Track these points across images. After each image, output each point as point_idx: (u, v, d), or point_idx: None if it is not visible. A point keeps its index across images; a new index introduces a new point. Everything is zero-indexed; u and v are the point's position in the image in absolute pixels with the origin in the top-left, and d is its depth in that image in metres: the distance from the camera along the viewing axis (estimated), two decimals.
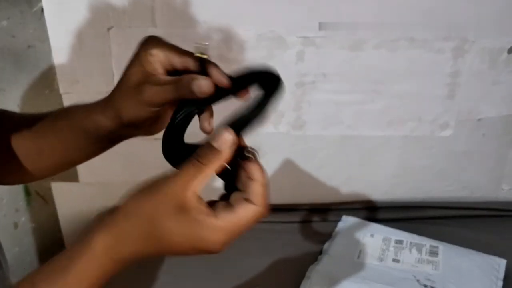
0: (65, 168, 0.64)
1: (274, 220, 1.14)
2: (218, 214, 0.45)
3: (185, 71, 0.51)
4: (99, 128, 0.56)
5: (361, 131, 1.10)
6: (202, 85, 0.48)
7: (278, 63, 1.03)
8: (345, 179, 1.17)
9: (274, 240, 1.08)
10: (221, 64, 1.09)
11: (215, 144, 0.46)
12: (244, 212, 0.45)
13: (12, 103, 1.08)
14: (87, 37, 0.99)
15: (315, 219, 1.16)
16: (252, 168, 0.47)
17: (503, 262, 0.98)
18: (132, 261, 0.47)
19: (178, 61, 0.51)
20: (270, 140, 1.11)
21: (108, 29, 0.99)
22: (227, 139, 0.46)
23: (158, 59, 0.51)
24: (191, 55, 0.51)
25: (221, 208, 0.45)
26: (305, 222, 1.15)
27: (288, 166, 1.15)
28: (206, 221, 0.44)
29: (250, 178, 0.47)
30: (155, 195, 0.45)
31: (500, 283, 0.94)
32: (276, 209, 1.17)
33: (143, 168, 1.16)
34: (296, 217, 1.16)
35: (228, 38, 1.00)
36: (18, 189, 1.17)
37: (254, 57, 1.01)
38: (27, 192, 1.18)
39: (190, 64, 0.51)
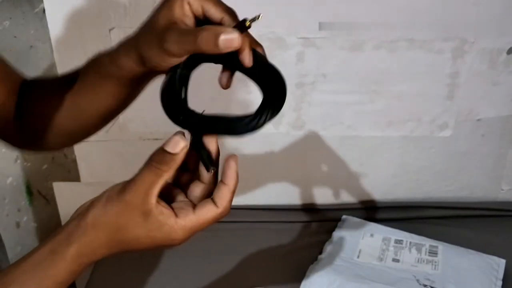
0: (105, 123, 0.63)
1: (274, 220, 1.14)
2: (180, 214, 0.47)
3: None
4: (124, 71, 0.53)
5: (361, 131, 1.11)
6: (232, 39, 0.46)
7: (278, 63, 1.03)
8: (345, 179, 1.17)
9: (274, 240, 1.09)
10: (221, 64, 1.09)
11: (168, 149, 0.47)
12: (206, 214, 0.48)
13: None
14: (89, 38, 1.00)
15: (315, 219, 1.16)
16: (229, 173, 0.49)
17: (502, 262, 0.98)
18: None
19: (214, 13, 0.49)
20: (270, 140, 1.11)
21: (110, 30, 0.99)
22: (179, 143, 0.47)
23: (192, 5, 0.48)
24: (230, 11, 0.50)
25: (183, 206, 0.48)
26: (305, 222, 1.15)
27: (288, 166, 1.15)
28: (168, 223, 0.47)
29: (222, 181, 0.49)
30: (120, 205, 0.48)
31: (500, 283, 0.94)
32: (276, 209, 1.17)
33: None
34: (296, 217, 1.16)
35: None
36: (20, 189, 1.17)
37: None
38: (29, 192, 1.19)
39: (227, 20, 0.49)
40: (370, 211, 1.17)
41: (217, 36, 0.45)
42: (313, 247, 1.05)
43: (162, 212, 0.47)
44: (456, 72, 1.04)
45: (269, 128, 1.13)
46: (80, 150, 1.13)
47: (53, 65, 1.03)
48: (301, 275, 0.96)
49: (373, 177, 1.17)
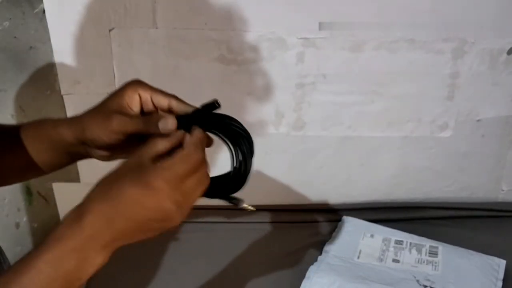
0: (20, 179, 0.71)
1: (275, 220, 1.14)
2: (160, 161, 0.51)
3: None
4: (61, 140, 0.60)
5: (361, 131, 1.11)
6: (167, 122, 0.54)
7: (279, 64, 1.03)
8: (345, 179, 1.17)
9: (274, 240, 1.09)
10: (221, 65, 1.10)
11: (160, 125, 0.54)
12: (176, 153, 0.51)
13: (13, 104, 1.08)
14: (88, 38, 1.00)
15: (315, 219, 1.16)
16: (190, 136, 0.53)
17: (502, 263, 0.98)
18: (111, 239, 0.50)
19: (161, 100, 0.57)
20: (270, 141, 1.11)
21: (109, 30, 0.99)
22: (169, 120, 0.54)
23: (141, 96, 0.57)
24: (174, 97, 0.57)
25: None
26: (305, 222, 1.15)
27: (288, 166, 1.15)
28: (148, 163, 0.50)
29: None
30: (116, 169, 0.52)
31: (500, 284, 0.94)
32: (276, 209, 1.17)
33: None
34: (296, 217, 1.16)
35: (228, 39, 1.00)
36: (20, 189, 1.17)
37: (255, 58, 1.02)
38: (29, 192, 1.19)
39: (174, 104, 0.57)
40: (370, 211, 1.17)
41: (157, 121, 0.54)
42: (313, 248, 1.05)
43: (148, 160, 0.51)
44: (456, 73, 1.04)
45: (269, 128, 1.14)
46: None
47: (53, 66, 1.03)
48: (301, 276, 0.96)
49: (373, 177, 1.17)
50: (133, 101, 0.57)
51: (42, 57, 1.04)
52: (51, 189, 1.19)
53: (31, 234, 1.23)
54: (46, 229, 1.25)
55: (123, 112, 0.56)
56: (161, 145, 0.52)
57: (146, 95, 0.57)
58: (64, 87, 1.05)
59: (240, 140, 0.56)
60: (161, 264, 1.04)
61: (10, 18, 0.99)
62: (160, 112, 0.57)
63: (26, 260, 0.48)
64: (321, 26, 0.99)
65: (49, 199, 1.21)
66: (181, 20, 0.99)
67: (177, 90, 1.06)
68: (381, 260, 1.00)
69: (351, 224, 1.10)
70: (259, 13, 0.98)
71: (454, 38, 1.01)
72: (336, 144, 1.12)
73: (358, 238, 1.05)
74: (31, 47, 1.01)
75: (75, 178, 1.16)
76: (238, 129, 0.56)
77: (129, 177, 0.49)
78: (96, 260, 0.49)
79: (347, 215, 1.13)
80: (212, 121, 0.56)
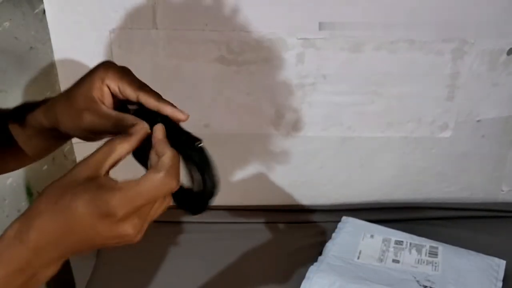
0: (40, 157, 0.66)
1: (275, 221, 1.14)
2: (121, 182, 0.45)
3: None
4: (41, 126, 0.58)
5: (361, 132, 1.11)
6: (139, 130, 0.49)
7: (279, 64, 1.03)
8: (345, 180, 1.17)
9: (275, 240, 1.09)
10: (221, 66, 1.10)
11: (131, 130, 0.48)
12: (145, 179, 0.45)
13: (13, 105, 1.08)
14: (89, 39, 1.00)
15: (315, 219, 1.16)
16: (158, 145, 0.47)
17: (502, 263, 0.98)
18: (53, 249, 0.45)
19: (130, 93, 0.52)
20: (270, 141, 1.11)
21: (110, 31, 0.99)
22: (141, 127, 0.48)
23: (109, 86, 0.52)
24: (144, 88, 0.52)
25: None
26: (305, 222, 1.15)
27: (288, 167, 1.15)
28: (108, 184, 0.45)
29: (157, 154, 0.47)
30: (67, 176, 0.46)
31: (500, 284, 0.94)
32: (276, 210, 1.17)
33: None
34: (296, 217, 1.16)
35: (228, 40, 1.00)
36: (20, 189, 1.17)
37: (255, 58, 1.02)
38: (29, 193, 1.19)
39: (142, 97, 0.51)
40: (370, 212, 1.17)
41: (129, 129, 0.49)
42: (313, 248, 1.05)
43: (105, 178, 0.46)
44: (456, 73, 1.04)
45: (269, 129, 1.14)
46: (80, 150, 1.13)
47: (53, 66, 1.03)
48: (301, 276, 0.96)
49: (373, 178, 1.17)
50: (103, 94, 0.52)
51: (42, 57, 1.04)
52: None
53: None
54: None
55: (94, 108, 0.52)
56: (122, 150, 0.47)
57: (114, 87, 0.52)
58: (64, 88, 1.04)
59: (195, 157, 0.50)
60: (161, 264, 1.04)
61: (10, 19, 0.99)
62: (131, 117, 0.50)
63: None
64: (321, 26, 0.99)
65: None
66: (181, 21, 0.99)
67: (177, 90, 1.06)
68: (381, 260, 1.00)
69: (351, 225, 1.10)
70: (259, 14, 0.98)
71: (454, 39, 1.01)
72: (336, 144, 1.12)
73: (358, 239, 1.05)
74: (31, 47, 1.01)
75: None
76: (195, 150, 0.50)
77: (83, 195, 0.44)
78: (46, 273, 0.46)
79: (347, 215, 1.13)
80: (175, 135, 0.50)
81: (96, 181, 0.45)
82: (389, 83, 1.05)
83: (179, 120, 0.51)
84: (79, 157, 1.13)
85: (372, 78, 1.05)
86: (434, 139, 1.12)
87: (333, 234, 1.08)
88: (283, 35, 1.00)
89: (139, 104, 0.52)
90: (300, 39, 1.00)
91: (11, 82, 1.05)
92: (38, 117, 0.57)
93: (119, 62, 1.06)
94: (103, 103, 0.52)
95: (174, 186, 0.46)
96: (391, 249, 1.02)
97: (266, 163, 1.14)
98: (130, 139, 0.47)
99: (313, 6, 0.98)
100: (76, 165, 0.47)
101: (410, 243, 1.03)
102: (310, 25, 1.00)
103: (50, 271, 0.46)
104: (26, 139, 0.61)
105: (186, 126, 0.53)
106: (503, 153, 1.16)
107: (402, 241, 1.04)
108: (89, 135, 0.54)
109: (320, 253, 1.03)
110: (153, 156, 0.47)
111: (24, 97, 1.08)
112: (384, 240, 1.04)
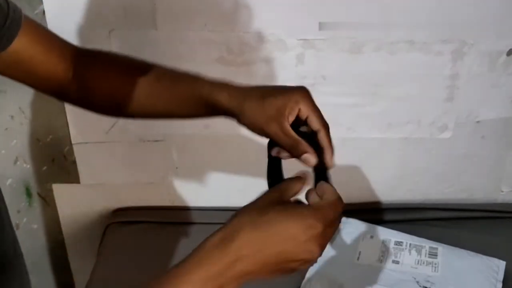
0: (155, 118, 0.75)
1: None
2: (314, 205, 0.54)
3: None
4: (216, 107, 0.63)
5: (361, 133, 1.11)
6: (310, 160, 0.59)
7: (278, 65, 1.03)
8: (345, 180, 1.17)
9: None
10: (221, 66, 1.10)
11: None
12: (329, 202, 0.54)
13: (14, 105, 1.08)
14: (89, 39, 1.00)
15: None
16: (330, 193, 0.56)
17: (502, 264, 0.98)
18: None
19: (315, 124, 0.60)
20: None
21: (110, 31, 1.00)
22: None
23: (301, 110, 0.60)
24: (326, 126, 0.61)
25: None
26: None
27: (288, 168, 1.15)
28: (303, 206, 0.53)
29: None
30: (262, 199, 0.54)
31: (500, 285, 0.94)
32: None
33: (143, 170, 1.17)
34: None
35: (228, 41, 1.00)
36: (20, 190, 1.17)
37: (254, 59, 1.02)
38: (29, 194, 1.19)
39: (322, 134, 0.60)
40: (370, 213, 1.17)
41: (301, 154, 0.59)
42: None
43: (296, 205, 0.54)
44: (456, 74, 1.04)
45: None
46: (80, 151, 1.13)
47: None
48: (301, 277, 0.96)
49: (373, 179, 1.17)
50: (292, 114, 0.59)
51: None
52: (51, 191, 1.19)
53: (31, 235, 1.23)
54: (46, 230, 1.25)
55: (281, 122, 0.59)
56: (297, 187, 0.55)
57: (305, 113, 0.59)
58: None
59: None
60: (161, 264, 1.04)
61: None
62: (306, 145, 0.59)
63: (169, 277, 0.50)
64: (321, 26, 0.99)
65: (49, 201, 1.21)
66: (181, 21, 0.99)
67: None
68: (381, 261, 1.00)
69: (350, 225, 1.10)
70: (258, 15, 0.98)
71: (454, 40, 1.01)
72: (336, 145, 1.12)
73: (358, 239, 1.05)
74: None
75: (75, 180, 1.16)
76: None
77: (279, 211, 0.50)
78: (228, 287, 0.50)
79: (347, 216, 1.13)
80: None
81: (290, 203, 0.53)
82: (388, 84, 1.05)
83: (328, 167, 0.60)
84: (78, 158, 1.14)
85: (372, 79, 1.05)
86: (434, 140, 1.12)
87: (333, 235, 1.08)
88: (283, 36, 1.00)
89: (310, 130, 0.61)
90: (300, 40, 1.00)
91: (11, 82, 1.05)
92: (219, 98, 0.62)
93: None
94: (289, 121, 0.59)
95: (341, 209, 0.55)
96: (391, 250, 1.02)
97: (266, 164, 1.13)
98: (303, 181, 0.56)
99: (312, 7, 0.98)
100: (267, 192, 0.55)
101: (410, 244, 1.03)
102: (310, 26, 1.00)
103: (231, 287, 0.50)
104: (181, 100, 0.68)
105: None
106: (502, 154, 1.16)
107: (402, 242, 1.04)
108: (263, 136, 0.61)
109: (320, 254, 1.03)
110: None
111: (24, 97, 1.08)
112: (383, 241, 1.04)
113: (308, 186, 0.57)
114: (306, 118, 0.60)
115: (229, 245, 0.49)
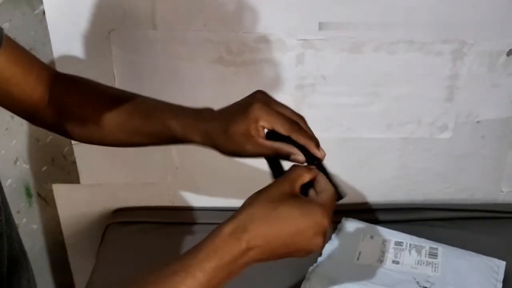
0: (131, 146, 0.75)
1: None
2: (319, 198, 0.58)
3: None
4: (170, 134, 0.66)
5: (361, 133, 1.11)
6: (298, 159, 0.61)
7: (278, 65, 1.03)
8: (345, 181, 1.17)
9: None
10: (220, 67, 1.10)
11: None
12: (329, 193, 0.58)
13: None
14: (88, 40, 1.00)
15: None
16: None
17: (502, 264, 0.98)
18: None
19: (282, 132, 0.61)
20: None
21: (109, 31, 1.00)
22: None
23: (264, 126, 0.61)
24: (296, 130, 0.61)
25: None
26: None
27: (287, 168, 1.15)
28: (311, 199, 0.57)
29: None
30: (271, 189, 0.57)
31: (500, 285, 0.94)
32: None
33: (143, 170, 1.17)
34: None
35: (227, 41, 1.00)
36: (20, 190, 1.17)
37: (254, 59, 1.02)
38: (29, 194, 1.19)
39: (295, 138, 0.61)
40: (370, 213, 1.17)
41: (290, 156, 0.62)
42: None
43: (305, 200, 0.56)
44: (456, 74, 1.04)
45: None
46: (80, 152, 1.13)
47: (53, 67, 1.03)
48: (301, 278, 0.96)
49: (373, 179, 1.17)
50: (259, 132, 0.61)
51: (42, 58, 1.04)
52: (51, 191, 1.19)
53: (30, 235, 1.23)
54: (46, 230, 1.25)
55: (252, 141, 0.62)
56: (307, 176, 0.58)
57: (269, 126, 0.61)
58: None
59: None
60: (161, 264, 1.04)
61: (10, 20, 0.99)
62: (287, 147, 0.62)
63: (182, 264, 0.52)
64: (321, 26, 0.99)
65: (49, 201, 1.21)
66: (180, 21, 0.99)
67: (176, 91, 1.06)
68: (381, 261, 1.00)
69: (350, 226, 1.10)
70: (258, 15, 0.98)
71: (454, 40, 1.01)
72: (336, 145, 1.12)
73: (357, 240, 1.05)
74: (31, 48, 1.01)
75: (75, 180, 1.16)
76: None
77: (290, 206, 0.54)
78: (236, 275, 0.54)
79: (346, 216, 1.13)
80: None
81: (299, 198, 0.56)
82: (388, 84, 1.05)
83: (319, 158, 0.63)
84: (78, 158, 1.14)
85: (372, 79, 1.05)
86: (434, 140, 1.12)
87: (333, 235, 1.08)
88: (283, 36, 1.00)
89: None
90: (300, 40, 1.00)
91: None
92: (191, 137, 0.65)
93: (118, 62, 1.06)
94: (260, 137, 0.61)
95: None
96: (391, 250, 1.02)
97: (266, 164, 1.13)
98: (311, 172, 0.59)
99: (312, 8, 0.98)
100: (276, 181, 0.58)
101: (410, 244, 1.03)
102: (309, 26, 1.00)
103: (237, 275, 0.54)
104: (132, 129, 0.69)
105: None
106: (502, 154, 1.16)
107: (402, 242, 1.04)
108: (246, 156, 0.63)
109: (320, 254, 1.03)
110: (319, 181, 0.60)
111: None
112: (383, 241, 1.04)
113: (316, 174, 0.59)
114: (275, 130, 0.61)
115: (242, 236, 0.52)
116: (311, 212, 0.54)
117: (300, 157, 0.61)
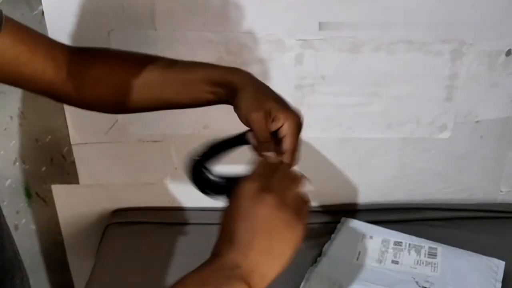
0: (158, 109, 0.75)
1: None
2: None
3: None
4: (228, 88, 0.67)
5: (360, 133, 1.11)
6: (267, 157, 0.63)
7: (277, 66, 1.03)
8: (344, 181, 1.17)
9: None
10: None
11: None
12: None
13: (13, 106, 1.08)
14: (88, 40, 1.00)
15: (314, 221, 1.16)
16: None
17: (501, 264, 0.98)
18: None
19: (286, 146, 0.65)
20: None
21: (108, 32, 1.00)
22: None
23: (280, 129, 0.65)
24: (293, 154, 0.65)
25: None
26: None
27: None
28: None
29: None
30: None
31: (499, 285, 0.94)
32: None
33: (143, 170, 1.17)
34: None
35: (227, 41, 1.00)
36: (19, 191, 1.17)
37: (253, 59, 1.02)
38: (28, 194, 1.19)
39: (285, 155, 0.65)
40: (370, 213, 1.17)
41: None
42: (313, 249, 1.05)
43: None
44: (455, 74, 1.04)
45: None
46: (79, 152, 1.13)
47: None
48: (300, 277, 0.96)
49: (372, 179, 1.17)
50: (276, 122, 0.64)
51: None
52: (50, 191, 1.19)
53: (30, 236, 1.23)
54: (45, 231, 1.25)
55: (265, 116, 0.63)
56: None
57: (284, 132, 0.64)
58: None
59: None
60: (161, 266, 1.04)
61: None
62: (273, 147, 0.64)
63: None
64: (321, 26, 1.00)
65: (48, 201, 1.21)
66: (180, 21, 0.99)
67: None
68: (380, 261, 1.00)
69: (350, 226, 1.10)
70: (257, 15, 0.98)
71: (453, 40, 1.01)
72: (335, 145, 1.12)
73: (357, 240, 1.05)
74: None
75: (74, 180, 1.16)
76: None
77: (276, 213, 0.50)
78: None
79: (346, 216, 1.13)
80: None
81: (281, 207, 0.52)
82: (388, 84, 1.05)
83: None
84: (77, 158, 1.14)
85: (371, 79, 1.05)
86: (433, 140, 1.12)
87: (332, 235, 1.08)
88: (282, 36, 1.00)
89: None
90: (299, 40, 1.01)
91: None
92: (231, 78, 0.67)
93: None
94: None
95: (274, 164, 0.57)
96: (390, 250, 1.02)
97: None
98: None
99: (312, 8, 0.98)
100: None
101: (409, 244, 1.03)
102: (309, 26, 1.00)
103: None
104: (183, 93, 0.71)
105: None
106: (502, 154, 1.16)
107: (401, 242, 1.04)
108: (245, 121, 0.64)
109: (319, 254, 1.03)
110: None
111: (23, 98, 1.08)
112: (383, 241, 1.04)
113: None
114: (282, 137, 0.64)
115: (247, 256, 0.50)
116: (241, 189, 0.52)
117: (274, 158, 0.63)
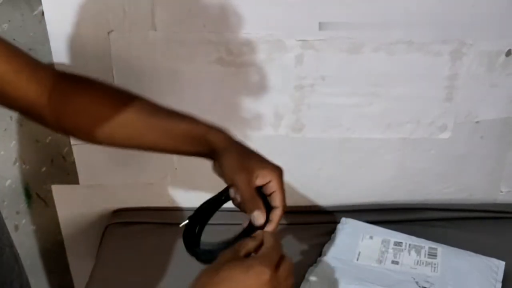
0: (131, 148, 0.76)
1: None
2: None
3: None
4: (208, 146, 0.70)
5: (360, 133, 1.11)
6: (259, 219, 0.67)
7: (277, 66, 1.03)
8: (344, 181, 1.17)
9: None
10: (220, 67, 1.10)
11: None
12: (267, 246, 0.61)
13: None
14: (87, 41, 1.00)
15: (314, 221, 1.16)
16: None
17: (501, 264, 0.98)
18: None
19: (276, 203, 0.68)
20: (269, 143, 1.11)
21: (108, 32, 1.00)
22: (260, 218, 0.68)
23: (267, 185, 0.68)
24: (283, 207, 0.68)
25: None
26: (304, 224, 1.15)
27: (287, 168, 1.15)
28: (253, 257, 0.60)
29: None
30: (217, 262, 0.60)
31: (499, 285, 0.94)
32: None
33: (143, 171, 1.17)
34: (295, 219, 1.16)
35: (227, 42, 1.00)
36: (19, 191, 1.17)
37: (253, 60, 1.02)
38: (28, 195, 1.19)
39: (276, 212, 0.68)
40: (370, 213, 1.17)
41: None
42: (313, 249, 1.05)
43: (244, 258, 0.60)
44: (455, 74, 1.04)
45: (268, 130, 1.14)
46: (79, 152, 1.13)
47: (52, 67, 1.03)
48: (300, 277, 0.96)
49: (372, 179, 1.17)
50: (262, 180, 0.68)
51: (41, 59, 1.04)
52: (50, 192, 1.19)
53: (30, 236, 1.23)
54: (45, 231, 1.25)
55: (250, 176, 0.67)
56: (251, 244, 0.61)
57: (272, 188, 0.68)
58: None
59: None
60: (161, 266, 1.04)
61: (9, 20, 0.99)
62: (261, 206, 0.67)
63: None
64: (321, 26, 1.00)
65: (48, 202, 1.21)
66: (180, 22, 0.99)
67: (176, 92, 1.06)
68: (380, 261, 1.00)
69: (350, 226, 1.10)
70: (257, 15, 0.98)
71: (453, 40, 1.01)
72: (335, 145, 1.12)
73: (357, 240, 1.05)
74: (30, 49, 1.01)
75: (74, 181, 1.16)
76: None
77: (231, 267, 0.56)
78: None
79: (346, 216, 1.13)
80: None
81: (240, 258, 0.59)
82: (388, 84, 1.05)
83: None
84: (77, 159, 1.14)
85: (371, 79, 1.05)
86: (433, 140, 1.12)
87: (332, 236, 1.08)
88: (282, 37, 1.00)
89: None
90: (299, 40, 1.01)
91: None
92: (213, 137, 0.70)
93: (118, 64, 1.06)
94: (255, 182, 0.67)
95: (281, 247, 0.61)
96: (390, 250, 1.02)
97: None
98: (256, 239, 0.62)
99: (312, 8, 0.98)
100: (222, 256, 0.60)
101: (409, 244, 1.03)
102: (308, 27, 1.00)
103: None
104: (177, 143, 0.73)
105: None
106: (502, 154, 1.16)
107: (401, 242, 1.04)
108: (228, 182, 0.68)
109: (319, 255, 1.03)
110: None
111: None
112: (383, 241, 1.04)
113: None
114: (271, 193, 0.66)
115: None
116: (249, 265, 0.56)
117: (261, 218, 0.66)
